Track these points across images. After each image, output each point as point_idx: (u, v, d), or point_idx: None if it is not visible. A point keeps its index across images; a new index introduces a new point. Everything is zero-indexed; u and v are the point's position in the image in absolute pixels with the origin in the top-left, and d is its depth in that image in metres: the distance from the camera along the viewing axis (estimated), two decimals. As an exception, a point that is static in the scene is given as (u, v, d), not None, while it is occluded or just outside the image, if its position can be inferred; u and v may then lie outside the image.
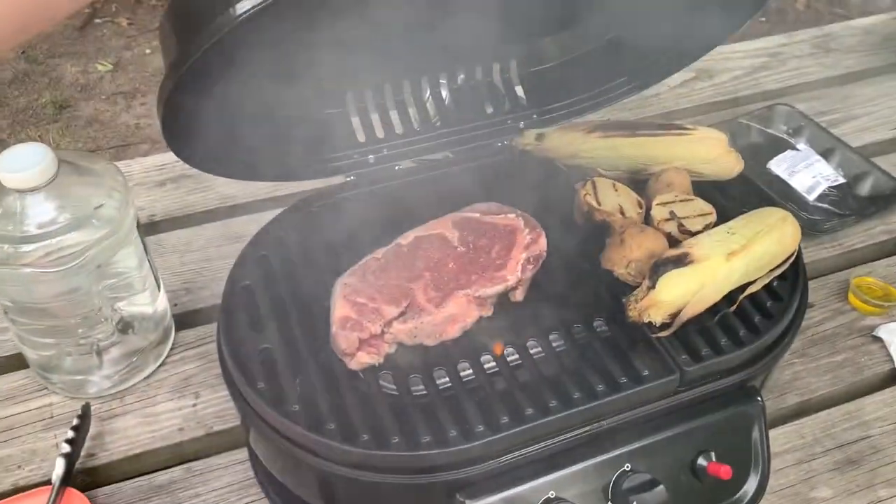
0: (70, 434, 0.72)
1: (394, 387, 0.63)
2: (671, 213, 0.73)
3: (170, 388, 0.81)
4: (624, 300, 0.66)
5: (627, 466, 0.63)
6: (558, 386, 0.62)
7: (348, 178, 0.79)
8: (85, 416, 0.75)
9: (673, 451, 0.65)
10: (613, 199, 0.75)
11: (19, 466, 0.75)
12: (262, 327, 0.66)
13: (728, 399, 0.67)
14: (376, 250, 0.70)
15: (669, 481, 0.62)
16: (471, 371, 0.64)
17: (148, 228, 0.98)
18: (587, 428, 0.62)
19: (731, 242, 0.68)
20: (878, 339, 0.88)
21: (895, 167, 1.07)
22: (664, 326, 0.65)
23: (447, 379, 0.64)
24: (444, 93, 0.81)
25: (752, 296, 0.69)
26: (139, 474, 0.74)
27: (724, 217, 0.73)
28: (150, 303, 0.80)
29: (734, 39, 1.00)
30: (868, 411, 0.81)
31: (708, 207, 0.74)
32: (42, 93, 2.58)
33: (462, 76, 0.81)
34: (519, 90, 0.83)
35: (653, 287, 0.64)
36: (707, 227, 0.72)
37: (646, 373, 0.63)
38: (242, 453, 0.76)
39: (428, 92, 0.80)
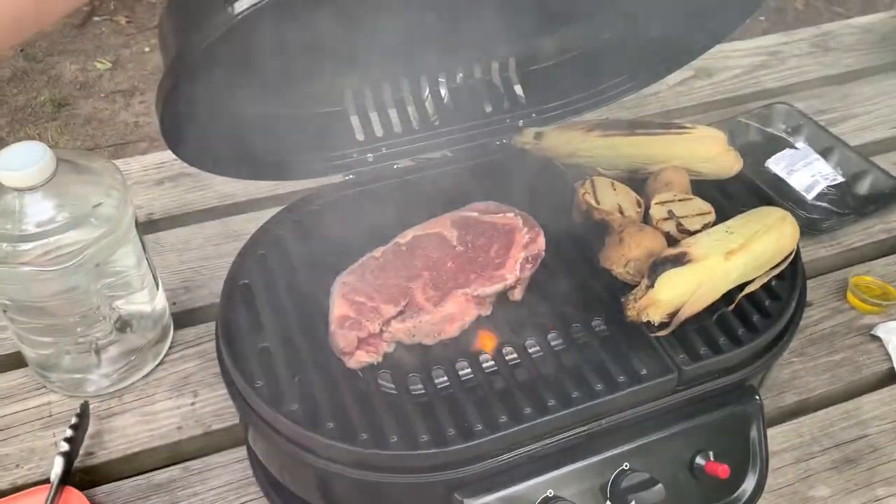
0: (69, 433, 0.72)
1: (392, 386, 0.63)
2: (670, 212, 0.73)
3: (168, 386, 0.81)
4: (622, 299, 0.66)
5: (626, 465, 0.63)
6: (557, 385, 0.62)
7: (347, 177, 0.79)
8: (83, 414, 0.75)
9: (671, 449, 0.65)
10: (612, 198, 0.75)
11: (18, 465, 0.75)
12: (261, 326, 0.66)
13: (726, 398, 0.66)
14: (375, 249, 0.71)
15: (668, 480, 0.62)
16: (469, 370, 0.64)
17: (146, 227, 0.98)
18: (585, 427, 0.62)
19: (730, 241, 0.68)
20: (877, 338, 0.88)
21: (894, 166, 1.07)
22: (662, 325, 0.65)
23: (446, 378, 0.64)
24: (443, 91, 0.81)
25: (750, 295, 0.69)
26: (138, 473, 0.74)
27: (722, 216, 0.73)
28: (149, 301, 0.80)
29: (733, 38, 0.99)
30: (866, 410, 0.81)
31: (707, 206, 0.74)
32: (41, 91, 2.57)
33: (461, 75, 0.81)
34: (518, 89, 0.83)
35: (651, 286, 0.64)
36: (706, 227, 0.72)
37: (644, 372, 0.63)
38: (241, 452, 0.76)
39: (427, 91, 0.80)
